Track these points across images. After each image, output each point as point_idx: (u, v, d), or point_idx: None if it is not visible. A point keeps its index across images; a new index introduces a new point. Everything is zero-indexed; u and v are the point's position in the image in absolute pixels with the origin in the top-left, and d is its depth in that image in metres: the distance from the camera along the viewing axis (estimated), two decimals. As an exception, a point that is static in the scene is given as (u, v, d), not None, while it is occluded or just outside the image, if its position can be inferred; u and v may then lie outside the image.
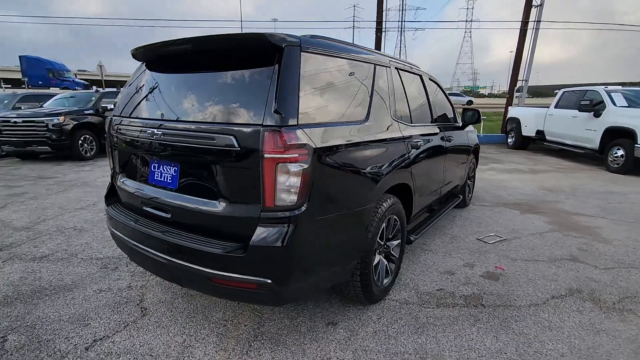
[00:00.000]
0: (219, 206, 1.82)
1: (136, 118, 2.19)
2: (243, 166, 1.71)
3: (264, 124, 1.67)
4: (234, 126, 1.74)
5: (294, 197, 1.69)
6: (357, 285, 2.31)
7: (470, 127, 4.82)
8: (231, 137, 1.72)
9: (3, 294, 2.63)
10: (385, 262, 2.62)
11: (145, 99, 2.22)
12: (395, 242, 2.73)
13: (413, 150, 2.77)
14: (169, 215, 2.01)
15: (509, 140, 11.67)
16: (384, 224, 2.44)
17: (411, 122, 2.93)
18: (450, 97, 4.37)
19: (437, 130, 3.43)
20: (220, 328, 2.27)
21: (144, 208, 2.14)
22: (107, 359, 1.97)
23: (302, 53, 1.86)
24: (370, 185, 2.16)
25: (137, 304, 2.51)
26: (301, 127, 1.72)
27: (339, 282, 2.25)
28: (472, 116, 4.21)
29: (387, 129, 2.47)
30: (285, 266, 1.73)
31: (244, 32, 1.83)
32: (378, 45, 14.68)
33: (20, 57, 28.97)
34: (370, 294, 2.43)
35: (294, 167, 1.67)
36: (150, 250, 2.00)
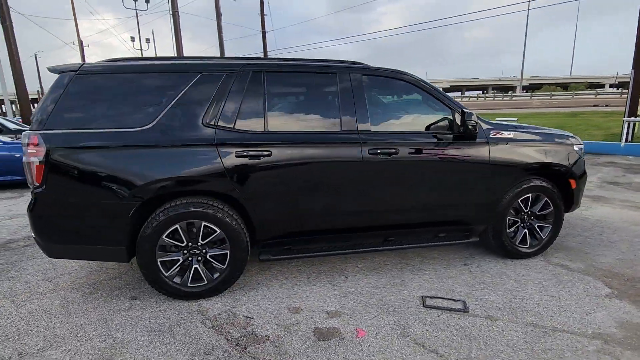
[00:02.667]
0: None
1: None
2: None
3: (31, 128, 2.46)
4: None
5: (36, 180, 2.40)
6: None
7: (528, 136, 3.18)
8: None
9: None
10: (196, 266, 2.67)
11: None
12: (216, 252, 2.68)
13: (243, 159, 2.57)
14: None
15: None
16: (176, 226, 2.56)
17: (265, 130, 2.67)
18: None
19: (345, 140, 2.76)
20: (96, 269, 3.21)
21: None
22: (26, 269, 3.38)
23: (77, 76, 2.47)
24: (123, 183, 2.42)
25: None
26: (44, 132, 2.37)
27: (113, 261, 2.66)
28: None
29: (186, 135, 2.53)
30: (34, 226, 2.47)
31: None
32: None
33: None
34: (163, 288, 2.64)
35: (33, 159, 2.37)
36: None
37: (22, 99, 14.34)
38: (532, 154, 3.15)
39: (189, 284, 2.68)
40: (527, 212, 3.27)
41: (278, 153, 2.64)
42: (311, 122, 2.84)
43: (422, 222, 3.12)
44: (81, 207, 2.47)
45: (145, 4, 24.69)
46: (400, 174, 2.90)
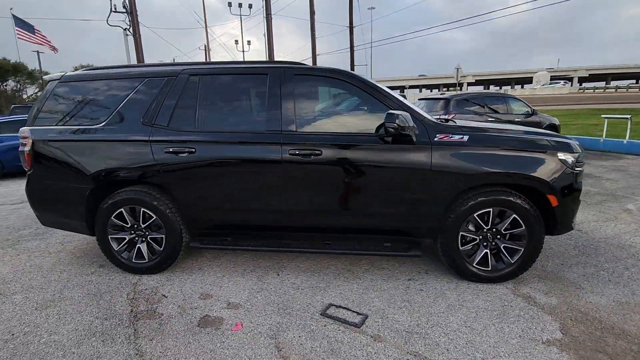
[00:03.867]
0: None
1: None
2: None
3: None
4: None
5: (27, 165, 3.11)
6: (101, 247, 3.17)
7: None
8: None
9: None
10: (139, 246, 3.09)
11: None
12: (155, 235, 3.05)
13: (170, 155, 2.86)
14: None
15: None
16: (121, 210, 3.01)
17: (194, 129, 2.90)
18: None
19: (266, 141, 2.81)
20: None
21: None
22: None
23: (58, 85, 3.10)
24: (76, 169, 2.95)
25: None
26: (32, 128, 3.06)
27: (81, 233, 3.23)
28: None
29: (127, 132, 2.92)
30: (29, 200, 3.20)
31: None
32: None
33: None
34: (113, 261, 3.14)
35: (24, 148, 3.08)
36: None
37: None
38: (490, 162, 2.68)
39: (133, 260, 3.12)
40: (490, 229, 2.80)
41: (201, 150, 2.86)
42: (239, 122, 2.96)
43: (357, 228, 2.97)
44: (54, 187, 3.11)
45: (249, 9, 27.32)
46: (324, 176, 2.82)
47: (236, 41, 32.20)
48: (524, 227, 2.75)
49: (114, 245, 3.11)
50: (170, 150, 2.88)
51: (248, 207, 2.96)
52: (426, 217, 2.82)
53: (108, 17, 15.84)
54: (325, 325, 2.41)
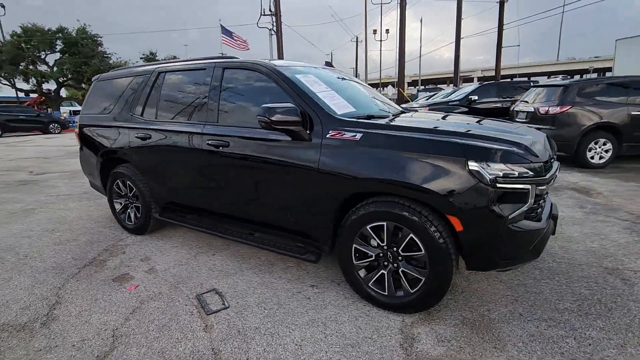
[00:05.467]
0: None
1: None
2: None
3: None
4: None
5: (78, 141, 4.29)
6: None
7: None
8: None
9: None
10: (129, 211, 3.88)
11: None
12: (137, 204, 3.77)
13: (137, 139, 3.46)
14: None
15: None
16: (118, 181, 3.84)
17: (154, 119, 3.40)
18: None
19: (193, 130, 3.06)
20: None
21: None
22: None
23: (95, 82, 4.13)
24: (95, 146, 3.88)
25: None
26: (80, 115, 4.19)
27: (104, 195, 4.22)
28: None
29: (121, 120, 3.66)
30: (82, 167, 4.41)
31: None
32: None
33: None
34: (117, 220, 4.05)
35: (76, 130, 4.26)
36: None
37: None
38: (375, 165, 2.22)
39: (126, 221, 3.94)
40: (390, 248, 2.34)
41: (154, 137, 3.36)
42: (182, 113, 3.29)
43: (267, 223, 2.93)
44: (89, 158, 4.20)
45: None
46: (231, 167, 2.89)
47: (374, 31, 32.32)
48: (423, 252, 2.19)
49: (117, 207, 4.00)
50: (136, 135, 3.50)
51: (188, 190, 3.34)
52: (316, 222, 2.57)
53: (258, 20, 18.55)
54: (186, 305, 2.58)
